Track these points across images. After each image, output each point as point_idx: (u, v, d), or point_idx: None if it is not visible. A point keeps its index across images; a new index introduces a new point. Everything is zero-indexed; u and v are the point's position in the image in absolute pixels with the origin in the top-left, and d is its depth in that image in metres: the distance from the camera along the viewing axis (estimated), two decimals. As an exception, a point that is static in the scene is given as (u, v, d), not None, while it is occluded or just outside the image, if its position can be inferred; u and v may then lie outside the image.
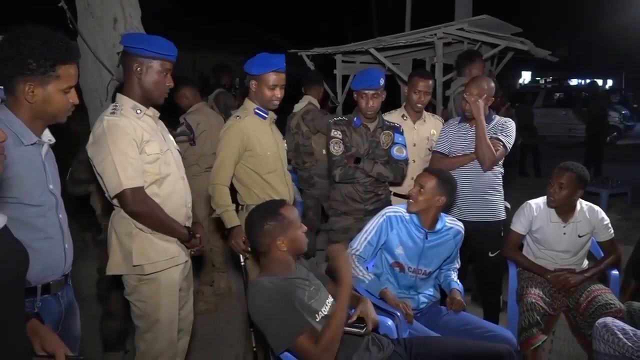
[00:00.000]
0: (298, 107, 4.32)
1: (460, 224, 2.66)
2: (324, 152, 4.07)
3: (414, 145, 3.28)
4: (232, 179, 2.70)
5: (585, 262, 2.97)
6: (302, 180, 4.39)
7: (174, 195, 2.17)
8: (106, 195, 2.09)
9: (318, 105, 4.36)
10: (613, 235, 2.90)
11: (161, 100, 2.17)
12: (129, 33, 2.13)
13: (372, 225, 2.58)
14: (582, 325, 2.70)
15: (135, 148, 2.01)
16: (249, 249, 2.48)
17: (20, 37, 1.58)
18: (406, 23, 8.37)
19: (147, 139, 2.06)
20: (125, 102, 2.08)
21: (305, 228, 2.03)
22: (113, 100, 2.23)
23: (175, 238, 2.16)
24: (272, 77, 2.63)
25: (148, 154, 2.05)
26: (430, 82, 3.25)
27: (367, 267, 2.59)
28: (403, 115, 3.33)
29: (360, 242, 2.58)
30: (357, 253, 2.55)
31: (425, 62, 6.59)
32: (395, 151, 3.03)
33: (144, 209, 2.02)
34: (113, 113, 2.03)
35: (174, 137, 3.47)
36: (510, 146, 2.96)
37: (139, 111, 2.09)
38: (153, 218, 2.05)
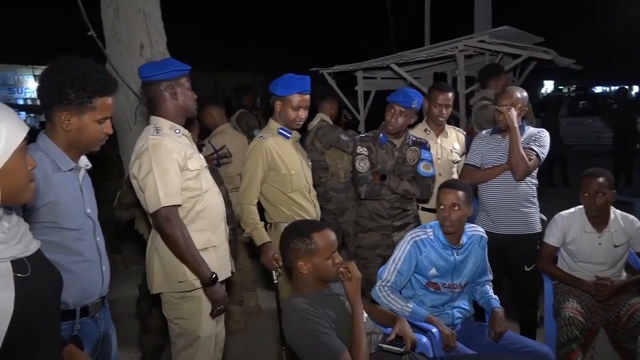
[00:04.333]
0: (311, 124, 4.38)
1: (480, 228, 2.64)
2: (339, 166, 4.08)
3: (438, 158, 3.24)
4: (260, 197, 2.73)
5: (624, 274, 2.87)
6: (318, 196, 4.40)
7: (214, 209, 2.22)
8: (146, 210, 2.12)
9: (330, 121, 4.39)
10: (651, 245, 2.81)
11: (195, 112, 2.27)
12: (144, 65, 2.24)
13: (400, 253, 2.51)
14: (624, 340, 2.61)
15: (177, 167, 2.07)
16: (281, 264, 2.48)
17: (62, 68, 1.64)
18: (425, 37, 8.38)
19: (189, 155, 2.13)
20: (163, 123, 2.15)
21: (339, 259, 1.91)
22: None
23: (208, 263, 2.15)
24: (297, 99, 2.66)
25: (191, 169, 2.12)
26: (450, 94, 3.21)
27: (399, 292, 2.53)
28: (425, 130, 3.31)
29: (390, 272, 2.51)
30: (389, 284, 2.49)
31: (447, 75, 6.56)
32: (422, 167, 3.00)
33: (171, 231, 2.03)
34: (155, 133, 2.10)
35: (217, 159, 3.54)
36: (544, 156, 2.90)
37: (177, 131, 2.17)
38: (178, 241, 2.04)
